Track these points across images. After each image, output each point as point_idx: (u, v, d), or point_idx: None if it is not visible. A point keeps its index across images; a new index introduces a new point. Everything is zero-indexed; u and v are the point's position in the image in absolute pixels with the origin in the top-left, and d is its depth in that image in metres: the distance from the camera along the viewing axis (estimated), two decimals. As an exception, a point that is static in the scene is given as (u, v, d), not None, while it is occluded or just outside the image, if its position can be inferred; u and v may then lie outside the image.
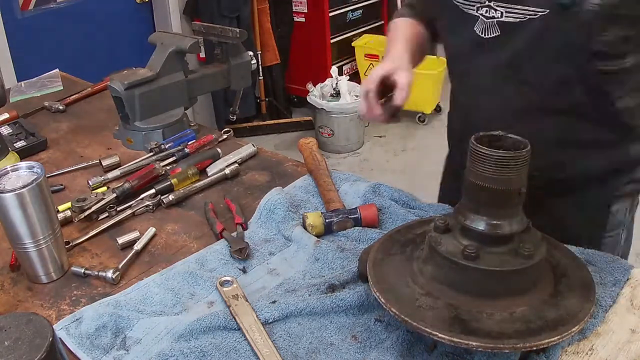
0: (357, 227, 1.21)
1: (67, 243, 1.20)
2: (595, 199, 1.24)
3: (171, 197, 1.35)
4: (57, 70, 2.12)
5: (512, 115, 1.18)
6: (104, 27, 3.46)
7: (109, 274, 1.11)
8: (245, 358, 0.93)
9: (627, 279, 1.05)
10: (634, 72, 1.11)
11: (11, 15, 3.01)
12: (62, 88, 1.99)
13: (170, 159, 1.49)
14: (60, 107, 1.82)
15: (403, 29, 1.37)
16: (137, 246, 1.19)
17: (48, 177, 1.28)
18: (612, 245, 1.28)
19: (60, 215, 1.26)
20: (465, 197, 0.93)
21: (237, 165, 1.47)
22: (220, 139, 1.62)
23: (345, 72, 4.62)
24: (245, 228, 1.25)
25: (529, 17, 1.09)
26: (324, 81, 4.18)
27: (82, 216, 1.25)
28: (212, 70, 1.73)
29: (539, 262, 0.91)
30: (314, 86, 4.14)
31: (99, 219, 1.30)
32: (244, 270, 1.14)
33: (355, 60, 4.58)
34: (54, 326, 1.01)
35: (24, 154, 1.55)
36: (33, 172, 1.09)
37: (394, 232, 1.08)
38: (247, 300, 1.03)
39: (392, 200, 1.29)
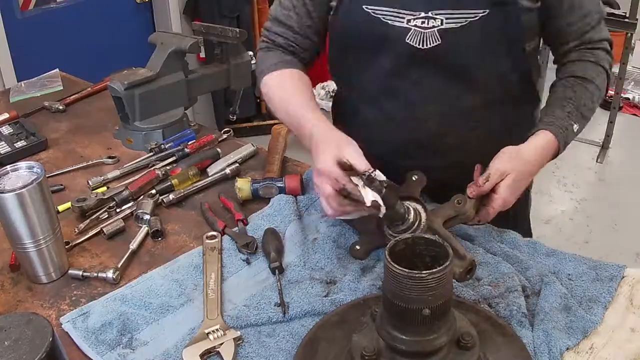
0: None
1: (67, 243, 1.20)
2: None
3: (171, 196, 1.35)
4: (57, 70, 2.11)
5: (459, 116, 1.24)
6: (104, 27, 3.45)
7: (109, 274, 1.11)
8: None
9: (623, 277, 1.06)
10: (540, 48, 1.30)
11: (11, 15, 3.00)
12: (62, 88, 1.98)
13: (171, 159, 1.50)
14: (60, 107, 1.82)
15: (297, 90, 1.30)
16: (132, 245, 1.19)
17: (48, 177, 1.28)
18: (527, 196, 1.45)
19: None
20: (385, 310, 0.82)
21: (237, 165, 1.47)
22: (220, 139, 1.62)
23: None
24: (246, 224, 1.25)
25: (469, 20, 1.13)
26: (323, 81, 4.17)
27: (82, 226, 1.26)
28: (212, 70, 1.73)
29: None
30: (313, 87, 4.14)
31: (99, 219, 1.29)
32: (248, 262, 1.15)
33: (355, 60, 4.57)
34: (60, 319, 1.02)
35: (24, 154, 1.55)
36: (33, 172, 1.09)
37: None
38: (220, 254, 1.15)
39: None
